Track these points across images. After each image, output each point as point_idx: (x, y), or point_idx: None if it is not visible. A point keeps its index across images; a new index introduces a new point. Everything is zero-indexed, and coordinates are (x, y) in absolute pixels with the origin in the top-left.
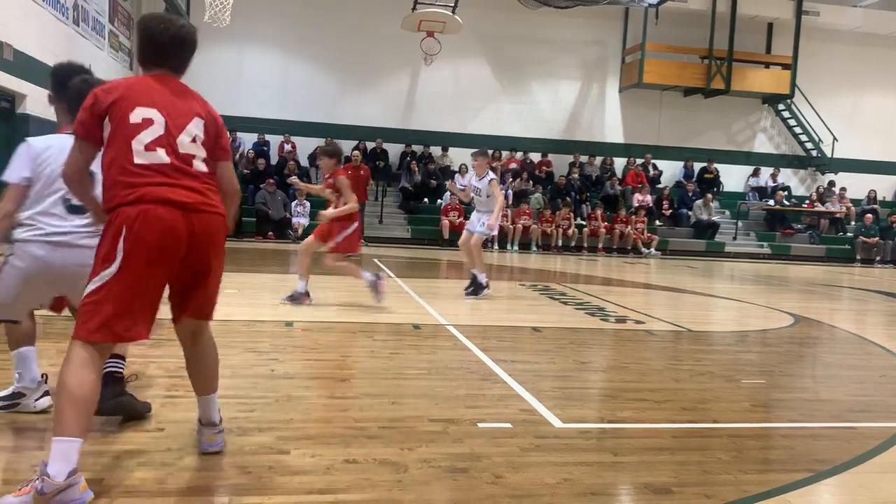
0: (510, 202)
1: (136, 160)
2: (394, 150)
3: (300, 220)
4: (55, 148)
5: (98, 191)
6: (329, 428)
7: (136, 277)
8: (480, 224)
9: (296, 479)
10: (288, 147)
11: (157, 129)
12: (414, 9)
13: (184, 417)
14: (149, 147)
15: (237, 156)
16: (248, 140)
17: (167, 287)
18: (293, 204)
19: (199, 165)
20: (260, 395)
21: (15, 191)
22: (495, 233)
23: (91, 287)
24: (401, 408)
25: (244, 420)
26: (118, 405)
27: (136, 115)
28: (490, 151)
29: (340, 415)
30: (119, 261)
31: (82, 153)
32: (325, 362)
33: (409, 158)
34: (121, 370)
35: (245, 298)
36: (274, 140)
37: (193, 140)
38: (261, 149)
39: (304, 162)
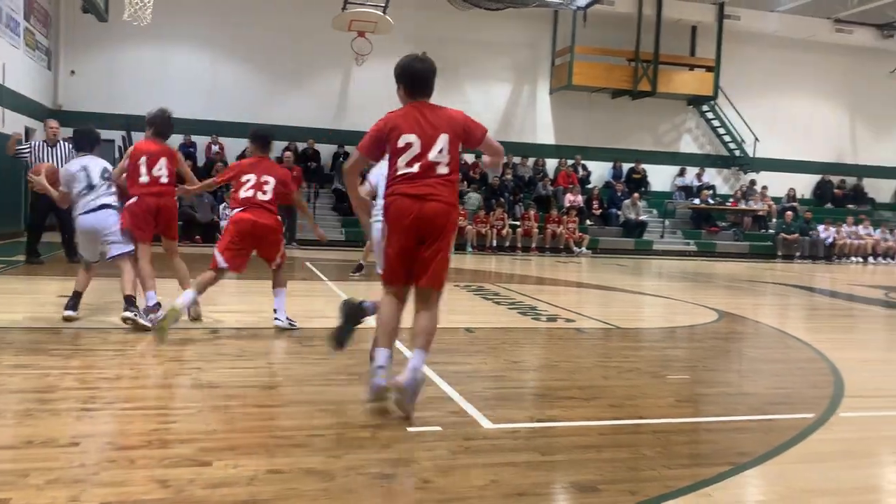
0: None
1: (399, 172)
2: (326, 150)
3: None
4: None
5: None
6: (253, 438)
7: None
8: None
9: (217, 492)
10: (216, 148)
11: (415, 150)
12: (344, 8)
13: (100, 430)
14: (408, 163)
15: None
16: (174, 141)
17: None
18: (221, 207)
19: (442, 170)
20: (181, 406)
21: None
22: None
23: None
24: (329, 415)
25: (164, 432)
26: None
27: (402, 141)
28: None
29: (266, 424)
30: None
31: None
32: (251, 370)
33: (341, 159)
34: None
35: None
36: (201, 141)
37: (440, 152)
38: (187, 150)
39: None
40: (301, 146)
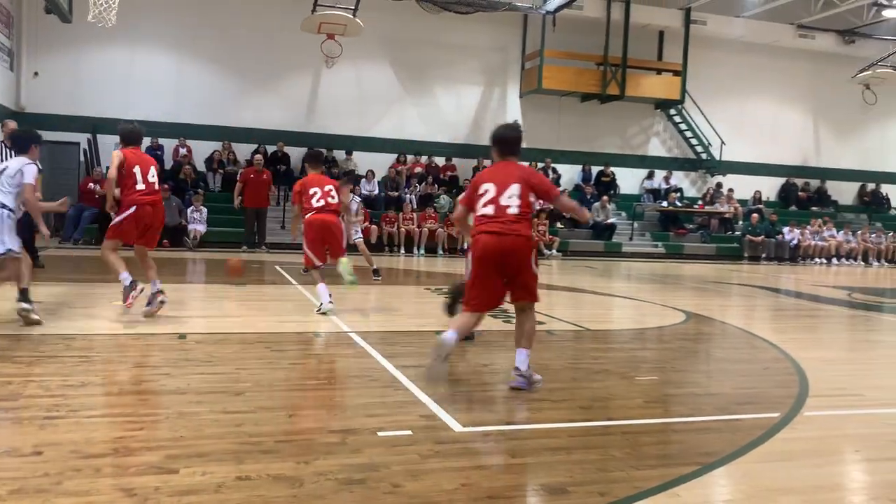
0: (415, 206)
1: (479, 213)
2: (296, 153)
3: (197, 227)
4: None
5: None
6: (221, 444)
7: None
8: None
9: (184, 500)
10: (183, 151)
11: (489, 195)
12: (314, 11)
13: (64, 439)
14: (484, 205)
15: None
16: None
17: None
18: (189, 210)
19: (512, 210)
20: (148, 413)
21: None
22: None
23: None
24: (298, 420)
25: (130, 439)
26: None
27: (482, 189)
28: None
29: (234, 430)
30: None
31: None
32: (219, 375)
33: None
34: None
35: (137, 310)
36: (168, 144)
37: (510, 197)
38: (154, 153)
39: (201, 166)
40: (270, 149)
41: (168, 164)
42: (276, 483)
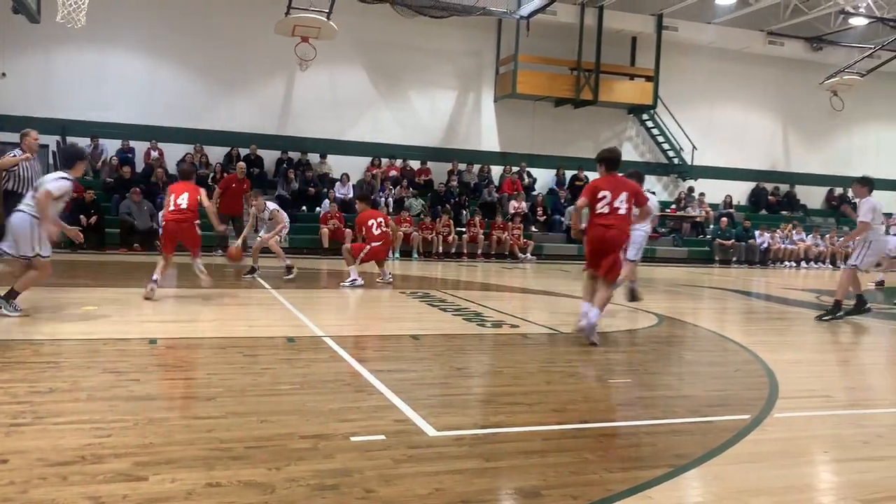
0: (390, 210)
1: (597, 212)
2: (269, 157)
3: None
4: None
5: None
6: (191, 450)
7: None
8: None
9: None
10: (155, 154)
11: (607, 200)
12: (287, 13)
13: (30, 447)
14: (602, 206)
15: (100, 163)
16: (111, 147)
17: None
18: (160, 214)
19: (621, 211)
20: (117, 419)
21: None
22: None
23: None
24: (270, 425)
25: (98, 447)
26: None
27: (600, 194)
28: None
29: (204, 436)
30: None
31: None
32: (189, 381)
33: (285, 166)
34: None
35: (106, 315)
36: (139, 146)
37: (622, 202)
38: (125, 156)
39: (173, 169)
40: (244, 152)
41: (139, 167)
42: (247, 489)
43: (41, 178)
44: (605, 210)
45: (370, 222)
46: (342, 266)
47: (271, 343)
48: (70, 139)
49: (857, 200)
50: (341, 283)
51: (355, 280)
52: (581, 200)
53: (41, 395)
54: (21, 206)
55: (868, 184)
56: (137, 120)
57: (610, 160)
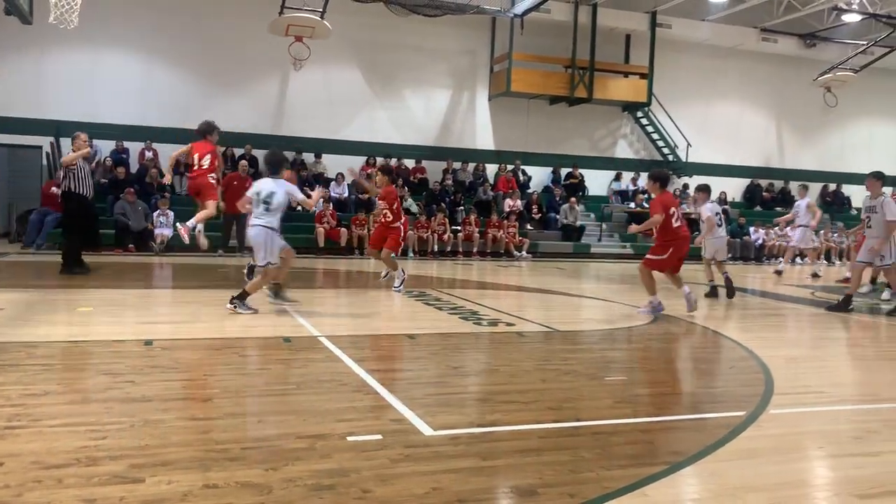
0: None
1: (675, 225)
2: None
3: (163, 231)
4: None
5: None
6: (188, 452)
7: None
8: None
9: None
10: (149, 154)
11: (676, 214)
12: (281, 13)
13: (24, 450)
14: (675, 220)
15: (94, 164)
16: (105, 148)
17: None
18: (155, 214)
19: (682, 223)
20: (113, 421)
21: None
22: None
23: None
24: (266, 426)
25: (94, 449)
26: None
27: (672, 210)
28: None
29: (201, 437)
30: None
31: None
32: (186, 382)
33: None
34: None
35: (102, 316)
36: (133, 147)
37: (678, 217)
38: (119, 157)
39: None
40: (238, 152)
41: (133, 168)
42: (243, 490)
43: (260, 190)
44: (678, 223)
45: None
46: (337, 265)
47: (266, 343)
48: (64, 140)
49: (869, 196)
50: (393, 287)
51: (402, 276)
52: (658, 217)
53: (36, 397)
54: (256, 221)
55: (883, 178)
56: (131, 121)
57: (665, 179)
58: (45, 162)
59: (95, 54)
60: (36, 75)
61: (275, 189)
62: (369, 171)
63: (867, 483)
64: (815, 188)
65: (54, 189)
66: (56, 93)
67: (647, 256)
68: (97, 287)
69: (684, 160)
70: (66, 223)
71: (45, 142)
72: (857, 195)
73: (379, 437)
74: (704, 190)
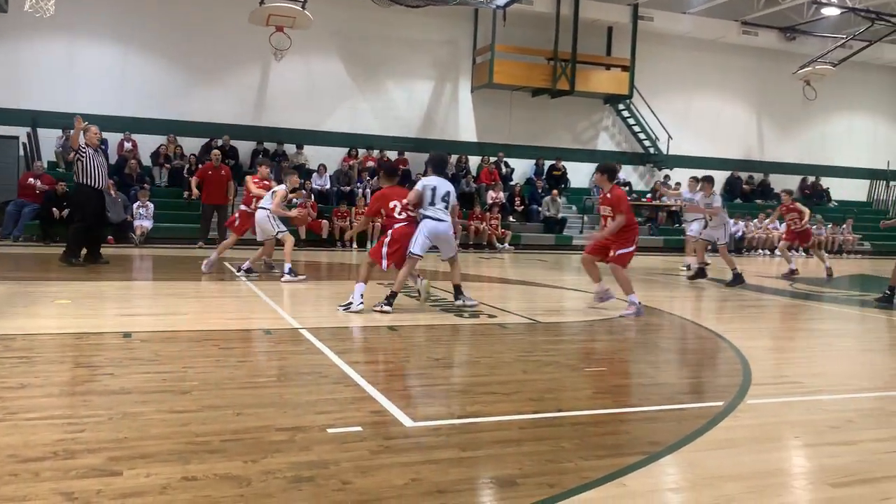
0: (367, 201)
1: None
2: (245, 147)
3: (142, 223)
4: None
5: None
6: (167, 444)
7: None
8: None
9: (128, 502)
10: (128, 145)
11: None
12: (262, 3)
13: (1, 443)
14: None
15: (71, 155)
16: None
17: None
18: (135, 206)
19: None
20: (90, 414)
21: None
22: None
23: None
24: (246, 418)
25: (71, 441)
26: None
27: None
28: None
29: (180, 430)
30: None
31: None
32: (165, 374)
33: (261, 156)
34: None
35: (80, 309)
36: (112, 138)
37: None
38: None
39: (147, 161)
40: (218, 142)
41: (113, 159)
42: (223, 483)
43: (436, 186)
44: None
45: (392, 203)
46: (318, 257)
47: (247, 336)
48: (41, 131)
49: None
50: (342, 307)
51: (359, 303)
52: (626, 217)
53: (12, 390)
54: (443, 216)
55: None
56: (110, 111)
57: (615, 172)
58: (21, 153)
59: (72, 43)
60: (11, 65)
61: (450, 188)
62: (351, 162)
63: (842, 472)
64: (795, 181)
65: (31, 180)
66: (32, 83)
67: (618, 253)
68: (76, 279)
69: (665, 153)
70: (72, 213)
71: (21, 132)
72: (837, 188)
73: (359, 428)
74: (709, 181)
